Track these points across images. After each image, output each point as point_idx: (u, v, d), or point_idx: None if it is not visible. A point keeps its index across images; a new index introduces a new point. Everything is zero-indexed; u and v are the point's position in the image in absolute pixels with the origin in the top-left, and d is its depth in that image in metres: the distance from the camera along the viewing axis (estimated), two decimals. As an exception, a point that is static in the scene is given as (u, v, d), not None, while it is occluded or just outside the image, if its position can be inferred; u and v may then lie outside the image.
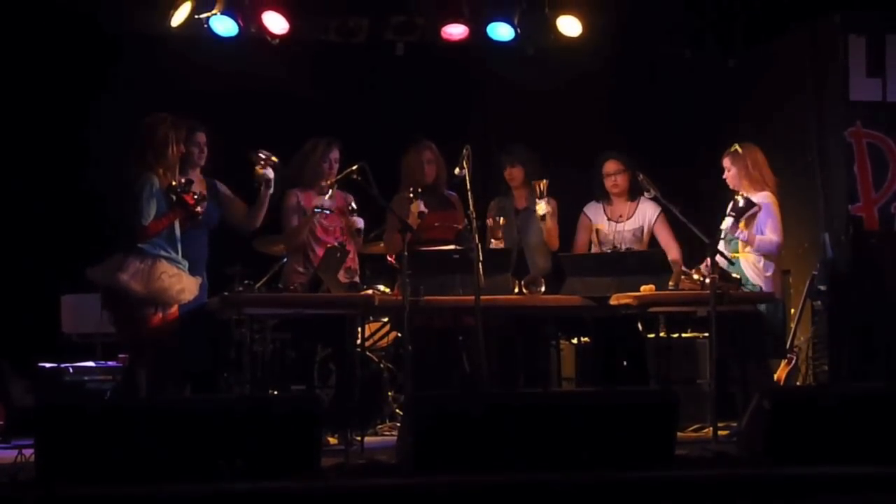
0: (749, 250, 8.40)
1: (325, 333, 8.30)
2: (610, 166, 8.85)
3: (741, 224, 8.35)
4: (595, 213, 8.87)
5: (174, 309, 7.36)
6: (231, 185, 8.12)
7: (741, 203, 8.35)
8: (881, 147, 9.55)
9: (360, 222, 8.27)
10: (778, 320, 8.56)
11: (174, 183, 7.42)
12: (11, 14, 9.27)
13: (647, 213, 8.76)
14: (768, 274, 8.39)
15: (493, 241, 8.47)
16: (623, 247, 8.60)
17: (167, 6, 9.20)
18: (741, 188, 8.50)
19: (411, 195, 8.40)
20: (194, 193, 7.48)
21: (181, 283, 7.35)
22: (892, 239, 9.48)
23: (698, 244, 8.18)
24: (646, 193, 8.42)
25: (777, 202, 8.46)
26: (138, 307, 7.24)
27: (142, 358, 7.32)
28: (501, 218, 8.57)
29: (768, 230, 8.40)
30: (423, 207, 8.38)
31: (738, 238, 8.37)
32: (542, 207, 8.53)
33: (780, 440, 6.60)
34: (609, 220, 8.80)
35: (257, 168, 7.92)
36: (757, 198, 8.42)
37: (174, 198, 7.39)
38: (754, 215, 8.37)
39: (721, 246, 8.22)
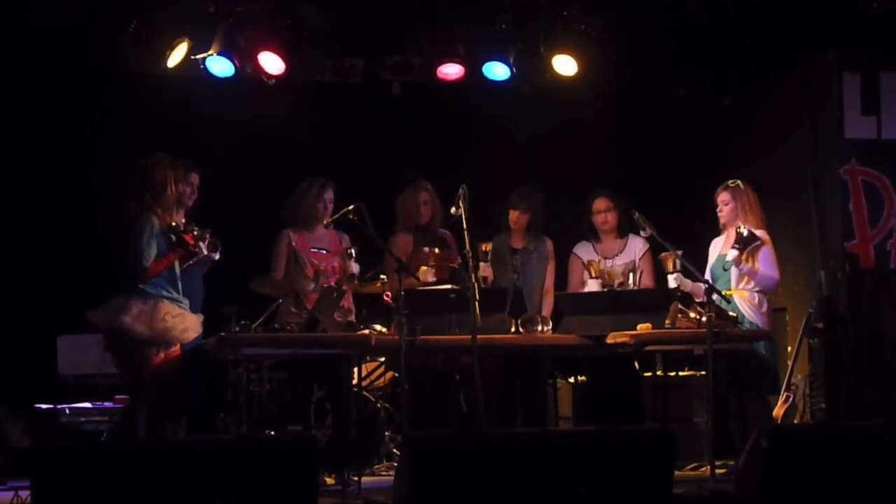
0: (746, 286, 8.40)
1: (321, 373, 8.28)
2: (600, 203, 8.88)
3: (744, 257, 8.34)
4: (585, 252, 8.88)
5: (176, 347, 7.36)
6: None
7: (745, 234, 8.34)
8: (876, 184, 9.57)
9: (355, 267, 8.25)
10: (772, 357, 8.56)
11: (173, 223, 7.43)
12: (5, 55, 9.27)
13: (636, 247, 8.83)
14: (763, 310, 8.40)
15: (482, 263, 8.43)
16: (616, 282, 8.60)
17: (163, 47, 9.22)
18: (735, 225, 8.50)
19: (425, 267, 8.37)
20: (193, 232, 7.48)
21: (185, 323, 7.35)
22: (887, 276, 9.49)
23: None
24: (641, 232, 8.42)
25: (770, 241, 8.48)
26: (142, 348, 7.23)
27: (143, 398, 7.30)
28: (489, 244, 8.52)
29: (768, 266, 8.41)
30: (431, 277, 8.35)
31: (742, 271, 8.35)
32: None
33: (778, 478, 6.58)
34: (600, 257, 8.82)
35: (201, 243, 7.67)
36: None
37: (173, 238, 7.40)
38: (756, 248, 8.37)
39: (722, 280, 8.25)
